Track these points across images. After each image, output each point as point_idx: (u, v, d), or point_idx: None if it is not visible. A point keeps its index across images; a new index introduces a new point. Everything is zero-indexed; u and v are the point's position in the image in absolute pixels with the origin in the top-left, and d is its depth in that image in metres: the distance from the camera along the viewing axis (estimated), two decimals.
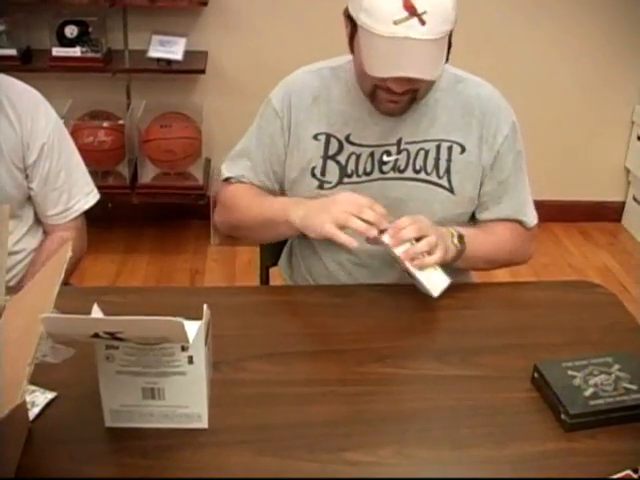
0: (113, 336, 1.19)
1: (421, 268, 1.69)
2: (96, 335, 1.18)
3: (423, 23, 1.62)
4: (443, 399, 1.48)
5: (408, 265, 1.69)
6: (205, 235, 4.15)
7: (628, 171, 4.48)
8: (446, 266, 1.77)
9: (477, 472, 1.31)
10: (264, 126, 1.99)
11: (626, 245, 4.37)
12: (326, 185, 1.91)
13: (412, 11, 1.62)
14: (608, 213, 4.56)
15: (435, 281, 1.71)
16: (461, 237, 1.83)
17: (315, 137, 1.91)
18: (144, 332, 1.22)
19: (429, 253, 1.69)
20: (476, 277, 2.15)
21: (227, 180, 2.05)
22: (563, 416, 1.41)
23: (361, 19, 1.68)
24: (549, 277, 3.86)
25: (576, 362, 1.52)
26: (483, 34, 4.04)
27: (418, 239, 1.69)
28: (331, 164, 1.91)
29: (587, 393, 1.44)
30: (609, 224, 4.54)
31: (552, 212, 4.22)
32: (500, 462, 1.33)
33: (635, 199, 4.45)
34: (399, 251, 1.68)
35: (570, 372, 1.49)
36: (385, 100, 1.80)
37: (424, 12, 1.62)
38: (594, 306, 1.84)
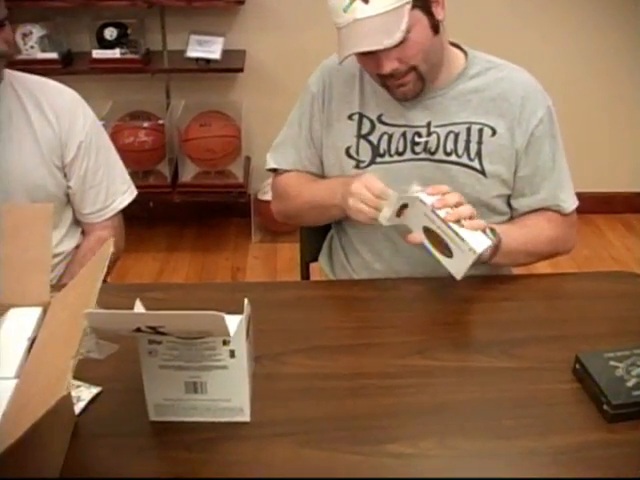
0: (155, 330, 1.20)
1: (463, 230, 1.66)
2: (138, 330, 1.20)
3: (366, 2, 1.69)
4: (484, 391, 1.48)
5: (453, 225, 1.65)
6: (246, 232, 4.18)
7: None
8: (487, 263, 1.80)
9: (519, 463, 1.31)
10: (304, 111, 2.03)
11: None
12: (361, 164, 1.93)
13: None
14: None
15: (478, 239, 1.66)
16: (492, 229, 1.80)
17: (350, 117, 1.95)
18: (186, 326, 1.23)
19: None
20: (516, 269, 2.14)
21: (275, 171, 2.10)
22: (605, 407, 1.40)
23: (332, 19, 1.76)
24: (591, 269, 3.82)
25: (618, 353, 1.50)
26: (510, 30, 4.03)
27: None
28: (364, 144, 1.94)
29: (630, 384, 1.43)
30: None
31: (593, 204, 4.19)
32: (542, 453, 1.33)
33: None
34: (441, 213, 1.66)
35: (612, 363, 1.48)
36: (393, 86, 1.84)
37: None
38: (635, 296, 1.82)
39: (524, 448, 1.34)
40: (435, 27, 1.79)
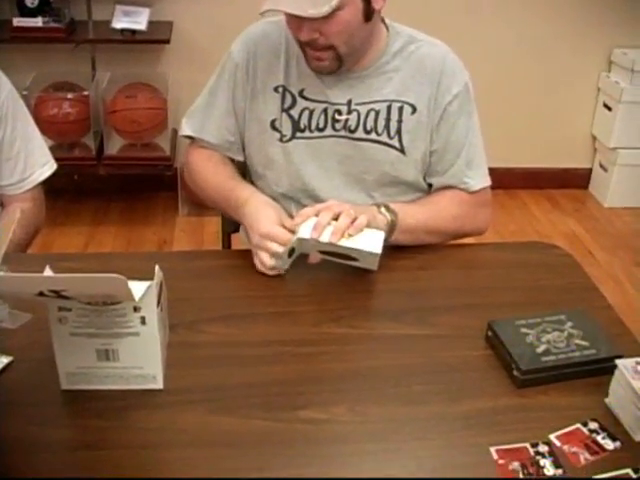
0: (59, 295, 1.19)
1: (354, 240, 1.64)
2: (42, 294, 1.18)
3: None
4: (397, 358, 1.50)
5: (342, 242, 1.63)
6: (173, 206, 4.15)
7: (594, 138, 4.51)
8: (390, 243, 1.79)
9: (429, 428, 1.33)
10: (226, 79, 1.99)
11: (592, 211, 4.41)
12: (284, 138, 1.93)
13: None
14: (575, 180, 4.60)
15: (372, 239, 1.65)
16: (387, 206, 1.81)
17: (275, 89, 1.93)
18: (88, 290, 1.22)
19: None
20: None
21: (190, 138, 2.06)
22: (515, 372, 1.42)
23: None
24: None
25: (529, 320, 1.53)
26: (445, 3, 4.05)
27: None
28: (285, 118, 1.92)
29: (539, 350, 1.46)
30: (576, 191, 4.59)
31: (520, 179, 4.25)
32: (453, 418, 1.35)
33: (602, 166, 4.48)
34: (325, 238, 1.63)
35: (523, 330, 1.51)
36: (311, 57, 1.83)
37: None
38: (551, 267, 1.85)
39: (435, 413, 1.36)
40: (368, 14, 1.77)
